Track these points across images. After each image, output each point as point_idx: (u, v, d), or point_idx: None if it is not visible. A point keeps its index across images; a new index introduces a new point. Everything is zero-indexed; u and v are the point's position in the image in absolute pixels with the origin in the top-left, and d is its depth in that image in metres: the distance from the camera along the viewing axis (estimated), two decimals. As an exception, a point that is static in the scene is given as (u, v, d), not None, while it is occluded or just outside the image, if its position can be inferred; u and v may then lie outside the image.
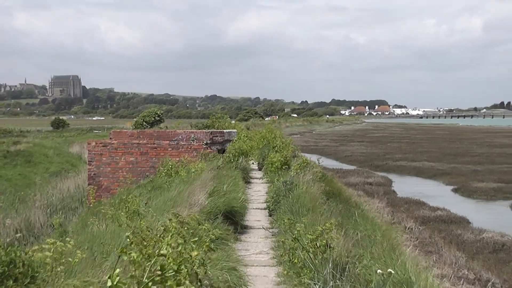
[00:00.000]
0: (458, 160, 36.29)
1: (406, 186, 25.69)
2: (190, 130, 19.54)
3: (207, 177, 10.07)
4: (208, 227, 6.04)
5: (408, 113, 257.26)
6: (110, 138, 18.16)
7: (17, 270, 3.72)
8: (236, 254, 6.86)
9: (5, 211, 15.88)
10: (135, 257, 3.43)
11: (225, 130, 17.48)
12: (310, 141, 60.61)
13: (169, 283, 3.25)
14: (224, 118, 39.55)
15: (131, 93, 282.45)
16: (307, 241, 5.70)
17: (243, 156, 16.24)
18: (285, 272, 6.05)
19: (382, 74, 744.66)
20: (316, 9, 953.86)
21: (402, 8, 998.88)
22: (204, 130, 18.57)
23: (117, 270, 3.04)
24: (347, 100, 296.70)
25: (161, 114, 46.09)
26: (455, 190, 24.51)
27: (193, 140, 16.32)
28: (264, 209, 11.01)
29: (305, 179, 10.98)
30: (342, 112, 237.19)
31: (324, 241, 5.58)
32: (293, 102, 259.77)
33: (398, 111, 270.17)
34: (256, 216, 10.44)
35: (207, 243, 5.24)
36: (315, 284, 5.23)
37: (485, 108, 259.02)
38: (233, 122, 50.83)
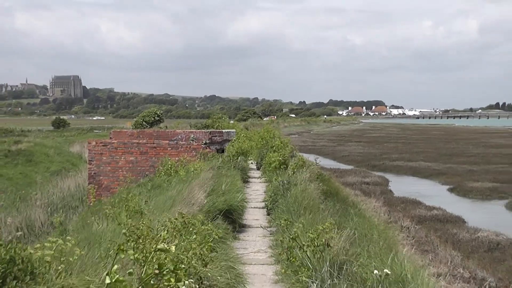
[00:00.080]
0: (454, 160, 36.48)
1: (402, 185, 25.84)
2: (189, 130, 19.61)
3: (206, 177, 10.11)
4: (211, 228, 6.09)
5: (405, 114, 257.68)
6: (110, 138, 18.22)
7: (17, 267, 3.75)
8: (234, 252, 6.89)
9: (6, 210, 15.97)
10: (134, 256, 3.49)
11: (224, 130, 17.58)
12: (308, 141, 60.71)
13: (167, 277, 3.28)
14: (223, 118, 39.70)
15: (131, 93, 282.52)
16: (307, 240, 5.73)
17: (242, 155, 16.33)
18: (283, 270, 6.08)
19: (379, 75, 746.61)
20: (314, 11, 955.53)
21: (399, 10, 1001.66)
22: (203, 130, 18.66)
23: (115, 267, 3.06)
24: (344, 100, 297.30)
25: (161, 114, 46.29)
26: (451, 190, 24.66)
27: (192, 140, 16.42)
28: (262, 208, 11.05)
29: (303, 179, 11.00)
30: (340, 112, 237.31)
31: (323, 240, 5.63)
32: (291, 103, 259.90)
33: (395, 111, 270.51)
34: (255, 215, 10.49)
35: (210, 244, 5.28)
36: (312, 282, 5.26)
37: (480, 108, 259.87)
38: (232, 122, 50.92)
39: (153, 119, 43.27)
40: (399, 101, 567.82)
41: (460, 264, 11.58)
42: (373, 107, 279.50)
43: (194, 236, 5.30)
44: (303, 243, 5.78)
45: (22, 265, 3.77)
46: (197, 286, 4.52)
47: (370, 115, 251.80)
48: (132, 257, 3.60)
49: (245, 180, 15.00)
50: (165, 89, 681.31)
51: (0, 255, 3.72)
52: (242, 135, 26.33)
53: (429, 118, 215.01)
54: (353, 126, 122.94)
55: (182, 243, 4.83)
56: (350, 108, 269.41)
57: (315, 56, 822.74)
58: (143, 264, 3.55)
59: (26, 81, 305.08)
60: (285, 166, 14.18)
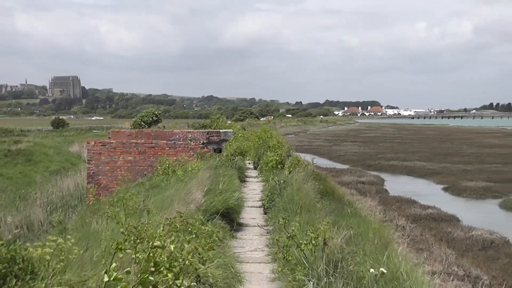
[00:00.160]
0: (448, 159, 36.75)
1: (397, 185, 26.01)
2: (187, 130, 19.66)
3: (204, 176, 10.14)
4: (211, 229, 6.13)
5: (400, 114, 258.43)
6: (109, 138, 18.24)
7: (17, 266, 3.78)
8: (231, 251, 6.92)
9: (6, 209, 16.04)
10: (135, 255, 3.47)
11: (221, 130, 17.66)
12: (304, 141, 60.90)
13: (165, 272, 3.33)
14: (221, 118, 39.90)
15: (130, 93, 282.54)
16: (306, 239, 5.76)
17: (240, 155, 16.42)
18: (280, 268, 6.13)
19: (375, 75, 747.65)
20: (311, 12, 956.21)
21: (394, 11, 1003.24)
22: (201, 130, 18.73)
23: (113, 265, 3.07)
24: (340, 101, 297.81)
25: (159, 114, 46.46)
26: (445, 189, 24.87)
27: (190, 140, 16.52)
28: (259, 207, 11.11)
29: (299, 178, 11.07)
30: (336, 112, 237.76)
31: (321, 239, 5.67)
32: (287, 103, 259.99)
33: (390, 111, 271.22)
34: (252, 214, 10.55)
35: (210, 244, 5.24)
36: (309, 280, 5.28)
37: (474, 109, 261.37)
38: (229, 122, 51.05)
39: (151, 119, 43.42)
40: (394, 102, 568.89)
41: (454, 262, 11.70)
42: (369, 108, 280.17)
43: (193, 236, 5.33)
44: (301, 241, 5.82)
45: (23, 265, 3.82)
46: (195, 284, 4.55)
47: (365, 115, 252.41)
48: (130, 256, 3.61)
49: (242, 180, 15.07)
50: (164, 89, 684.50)
51: (1, 255, 3.77)
52: (239, 135, 26.50)
53: (424, 118, 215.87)
54: (349, 126, 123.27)
55: (179, 241, 4.82)
56: (346, 108, 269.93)
57: (311, 57, 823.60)
58: (141, 261, 3.56)
59: (26, 82, 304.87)
60: (281, 165, 14.24)
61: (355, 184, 24.39)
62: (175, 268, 3.45)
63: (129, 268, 3.36)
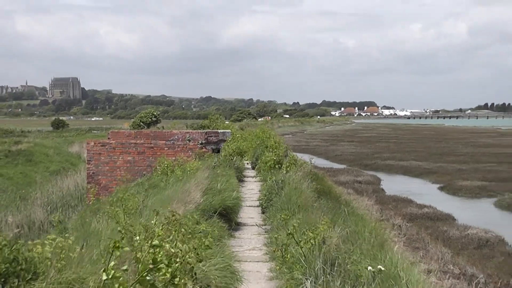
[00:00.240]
0: (444, 159, 36.94)
1: (394, 184, 26.17)
2: (185, 131, 19.79)
3: (202, 176, 10.16)
4: (205, 226, 6.14)
5: (396, 114, 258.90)
6: (108, 138, 18.36)
7: (19, 266, 3.81)
8: (230, 250, 6.91)
9: (7, 209, 16.12)
10: (135, 254, 3.42)
11: (219, 131, 17.78)
12: (302, 141, 61.03)
13: (163, 271, 3.35)
14: (220, 119, 40.03)
15: (129, 94, 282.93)
16: (305, 238, 5.78)
17: (239, 155, 16.50)
18: (278, 267, 6.14)
19: (371, 76, 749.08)
20: (307, 14, 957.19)
21: (390, 13, 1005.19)
22: (199, 131, 18.85)
23: (112, 264, 3.08)
24: (337, 101, 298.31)
25: (158, 115, 46.55)
26: (441, 188, 25.04)
27: (188, 140, 16.64)
28: (257, 206, 11.14)
29: (297, 178, 11.12)
30: (333, 113, 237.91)
31: (320, 238, 5.71)
32: (285, 103, 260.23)
33: (386, 112, 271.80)
34: (250, 214, 10.58)
35: (206, 243, 5.18)
36: (306, 279, 5.29)
37: (470, 109, 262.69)
38: (227, 122, 51.19)
39: (150, 119, 43.53)
40: (390, 102, 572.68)
41: (450, 261, 11.81)
42: (365, 108, 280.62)
43: (189, 236, 5.45)
44: (300, 239, 5.86)
45: (25, 265, 3.86)
46: (191, 282, 4.50)
47: (362, 115, 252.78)
48: (129, 254, 3.60)
49: (241, 179, 15.11)
50: (162, 90, 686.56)
51: (3, 255, 3.80)
52: (237, 135, 26.61)
53: (420, 118, 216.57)
54: (346, 126, 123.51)
55: (176, 240, 4.77)
56: (342, 108, 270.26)
57: (308, 58, 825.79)
58: (139, 259, 3.56)
59: (26, 83, 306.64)
60: (279, 165, 14.25)
61: (352, 184, 24.52)
62: (173, 265, 3.48)
63: (126, 266, 3.38)
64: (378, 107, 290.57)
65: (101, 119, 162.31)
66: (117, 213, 7.00)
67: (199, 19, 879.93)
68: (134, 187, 12.08)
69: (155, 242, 3.55)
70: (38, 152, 29.69)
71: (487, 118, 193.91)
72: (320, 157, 39.51)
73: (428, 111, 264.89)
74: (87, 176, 16.87)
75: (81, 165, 25.90)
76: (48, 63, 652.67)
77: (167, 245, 3.68)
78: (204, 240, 5.44)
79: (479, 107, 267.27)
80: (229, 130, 19.20)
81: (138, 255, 3.50)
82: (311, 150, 46.22)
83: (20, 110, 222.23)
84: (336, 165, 34.50)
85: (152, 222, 4.93)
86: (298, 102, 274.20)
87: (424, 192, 23.81)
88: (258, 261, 7.23)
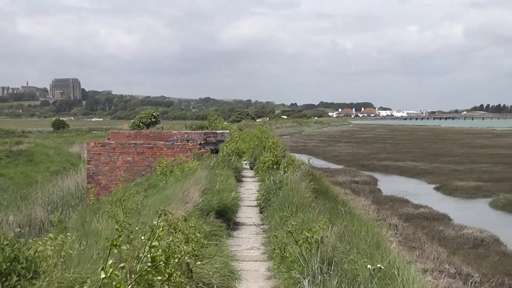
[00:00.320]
0: (440, 160, 37.11)
1: (390, 184, 26.28)
2: (184, 131, 19.89)
3: (201, 176, 10.19)
4: (196, 224, 6.14)
5: (393, 115, 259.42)
6: (108, 139, 18.40)
7: (20, 265, 3.80)
8: (228, 249, 6.94)
9: (8, 208, 16.23)
10: (136, 253, 3.60)
11: (218, 131, 17.90)
12: (300, 141, 61.16)
13: (161, 270, 3.38)
14: (219, 120, 40.17)
15: (129, 95, 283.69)
16: (302, 237, 5.81)
17: (237, 156, 16.58)
18: (276, 266, 6.17)
19: (368, 77, 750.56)
20: (305, 16, 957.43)
21: (387, 15, 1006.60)
22: (198, 131, 18.99)
23: (110, 262, 3.09)
24: (334, 102, 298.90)
25: (157, 115, 46.57)
26: (437, 189, 25.17)
27: (187, 141, 16.75)
28: (255, 206, 11.16)
29: (294, 178, 11.15)
30: (330, 114, 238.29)
31: (317, 237, 5.72)
32: (283, 104, 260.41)
33: (383, 113, 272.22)
34: (248, 213, 10.62)
35: (201, 241, 5.26)
36: (304, 278, 5.32)
37: (465, 110, 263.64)
38: (226, 123, 51.32)
39: (149, 120, 43.58)
40: (387, 103, 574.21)
41: (446, 260, 11.92)
42: (362, 109, 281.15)
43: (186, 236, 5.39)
44: (298, 238, 5.90)
45: (26, 264, 3.87)
46: (188, 280, 4.59)
47: (359, 116, 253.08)
48: (125, 252, 3.68)
49: (239, 180, 15.17)
50: (162, 91, 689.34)
51: (5, 254, 3.81)
52: (236, 136, 26.74)
53: (416, 119, 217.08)
54: (343, 127, 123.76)
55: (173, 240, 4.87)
56: (340, 109, 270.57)
57: (306, 60, 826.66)
58: (138, 258, 3.62)
59: (27, 84, 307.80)
60: (277, 165, 14.25)
61: (349, 184, 24.63)
62: (171, 263, 3.53)
63: (124, 264, 3.41)
64: (375, 108, 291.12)
65: (101, 119, 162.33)
66: (117, 213, 7.06)
67: (198, 20, 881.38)
68: (134, 187, 12.12)
69: (155, 243, 3.61)
70: (38, 152, 29.78)
71: (483, 119, 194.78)
72: (318, 158, 39.60)
73: (424, 112, 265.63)
74: (87, 176, 16.92)
75: (81, 165, 25.97)
76: (48, 64, 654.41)
77: (162, 245, 3.73)
78: (202, 240, 5.57)
79: (474, 108, 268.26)
80: (228, 131, 19.33)
81: (139, 255, 3.58)
82: (308, 150, 46.35)
83: (21, 110, 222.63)
84: (333, 166, 34.63)
85: (155, 222, 5.03)
86: (295, 103, 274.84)
87: (420, 192, 23.93)
88: (256, 260, 7.28)
